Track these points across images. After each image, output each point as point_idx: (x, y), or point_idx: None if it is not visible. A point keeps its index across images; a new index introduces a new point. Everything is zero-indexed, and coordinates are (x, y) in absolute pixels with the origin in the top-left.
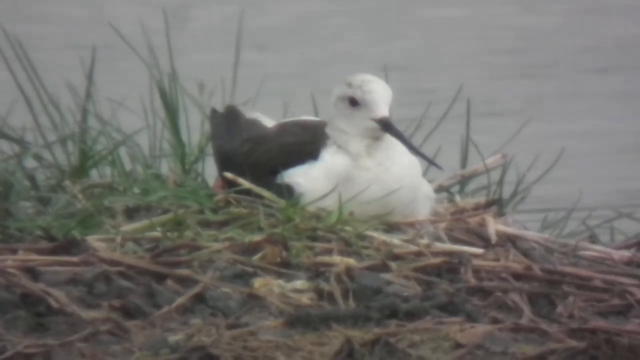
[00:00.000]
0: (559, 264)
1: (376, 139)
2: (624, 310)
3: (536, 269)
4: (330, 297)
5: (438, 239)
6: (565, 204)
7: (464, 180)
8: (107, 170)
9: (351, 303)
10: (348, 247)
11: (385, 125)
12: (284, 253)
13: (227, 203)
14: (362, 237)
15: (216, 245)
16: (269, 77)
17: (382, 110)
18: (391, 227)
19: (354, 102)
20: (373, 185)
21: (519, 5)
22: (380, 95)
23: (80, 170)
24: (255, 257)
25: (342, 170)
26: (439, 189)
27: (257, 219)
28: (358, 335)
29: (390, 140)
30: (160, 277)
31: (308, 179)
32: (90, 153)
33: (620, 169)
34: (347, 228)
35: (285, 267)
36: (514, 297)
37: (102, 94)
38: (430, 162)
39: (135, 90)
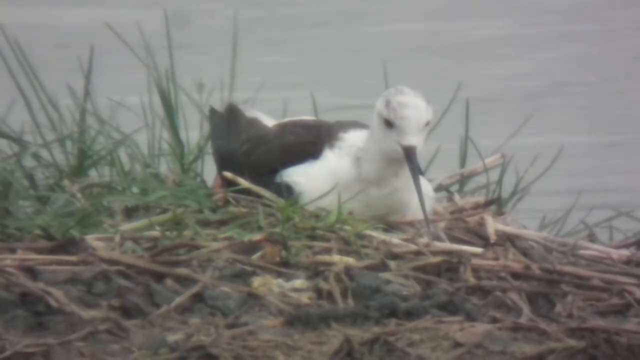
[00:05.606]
0: (557, 263)
1: (399, 162)
2: (623, 310)
3: (535, 268)
4: (330, 296)
5: (437, 238)
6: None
7: (463, 180)
8: (106, 170)
9: (350, 302)
10: (347, 246)
11: (408, 155)
12: (283, 252)
13: (226, 202)
14: (361, 236)
15: (215, 245)
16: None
17: (410, 139)
18: (390, 226)
19: (388, 124)
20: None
21: None
22: (412, 123)
23: (79, 170)
24: (255, 257)
25: (342, 173)
26: (438, 188)
27: (256, 218)
28: (357, 334)
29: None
30: (159, 277)
31: (307, 178)
32: (89, 152)
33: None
34: (347, 227)
35: (284, 267)
36: (513, 296)
37: (101, 94)
38: (425, 216)
39: (134, 90)
